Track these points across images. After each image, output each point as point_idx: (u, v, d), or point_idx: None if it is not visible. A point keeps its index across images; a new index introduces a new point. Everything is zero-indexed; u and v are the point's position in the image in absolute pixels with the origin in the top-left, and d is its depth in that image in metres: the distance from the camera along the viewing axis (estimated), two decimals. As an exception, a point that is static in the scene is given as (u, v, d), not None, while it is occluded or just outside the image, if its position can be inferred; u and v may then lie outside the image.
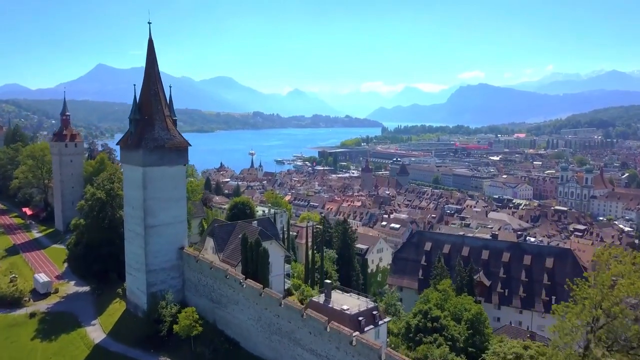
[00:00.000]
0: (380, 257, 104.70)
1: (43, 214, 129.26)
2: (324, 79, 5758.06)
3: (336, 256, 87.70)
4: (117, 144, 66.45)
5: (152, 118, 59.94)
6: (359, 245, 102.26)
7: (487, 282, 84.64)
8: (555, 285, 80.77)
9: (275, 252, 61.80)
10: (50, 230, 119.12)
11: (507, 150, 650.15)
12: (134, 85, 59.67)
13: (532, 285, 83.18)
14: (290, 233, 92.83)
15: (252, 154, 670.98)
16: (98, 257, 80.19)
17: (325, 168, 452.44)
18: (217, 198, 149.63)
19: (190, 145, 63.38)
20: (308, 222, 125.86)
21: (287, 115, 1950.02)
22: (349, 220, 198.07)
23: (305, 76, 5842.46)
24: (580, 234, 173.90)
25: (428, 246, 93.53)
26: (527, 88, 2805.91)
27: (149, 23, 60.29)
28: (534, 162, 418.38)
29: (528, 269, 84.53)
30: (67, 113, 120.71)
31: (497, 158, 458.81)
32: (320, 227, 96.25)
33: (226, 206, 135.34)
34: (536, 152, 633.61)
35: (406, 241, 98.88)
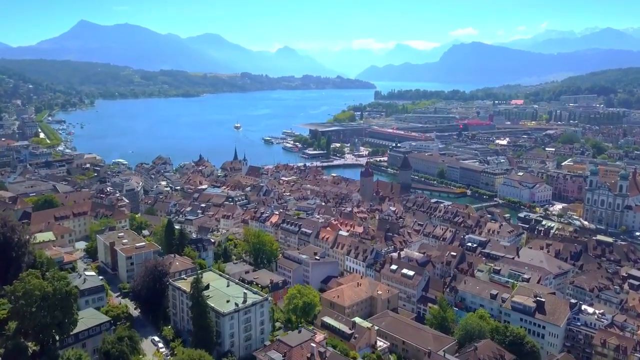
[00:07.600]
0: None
1: None
2: (315, 36, 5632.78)
3: None
4: None
5: None
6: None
7: None
8: None
9: None
10: None
11: (508, 123, 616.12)
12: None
13: None
14: None
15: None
16: None
17: (318, 152, 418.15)
18: (177, 263, 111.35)
19: None
20: (299, 330, 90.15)
21: (277, 75, 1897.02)
22: (349, 257, 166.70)
23: (296, 33, 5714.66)
24: (638, 282, 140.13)
25: None
26: (521, 46, 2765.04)
27: None
28: (546, 148, 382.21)
29: None
30: None
31: (505, 142, 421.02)
32: None
33: (186, 286, 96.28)
34: (538, 125, 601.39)
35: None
